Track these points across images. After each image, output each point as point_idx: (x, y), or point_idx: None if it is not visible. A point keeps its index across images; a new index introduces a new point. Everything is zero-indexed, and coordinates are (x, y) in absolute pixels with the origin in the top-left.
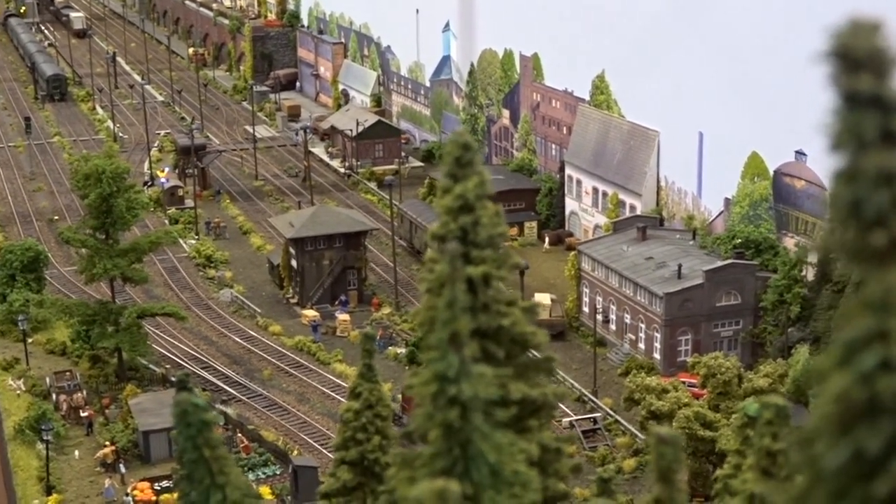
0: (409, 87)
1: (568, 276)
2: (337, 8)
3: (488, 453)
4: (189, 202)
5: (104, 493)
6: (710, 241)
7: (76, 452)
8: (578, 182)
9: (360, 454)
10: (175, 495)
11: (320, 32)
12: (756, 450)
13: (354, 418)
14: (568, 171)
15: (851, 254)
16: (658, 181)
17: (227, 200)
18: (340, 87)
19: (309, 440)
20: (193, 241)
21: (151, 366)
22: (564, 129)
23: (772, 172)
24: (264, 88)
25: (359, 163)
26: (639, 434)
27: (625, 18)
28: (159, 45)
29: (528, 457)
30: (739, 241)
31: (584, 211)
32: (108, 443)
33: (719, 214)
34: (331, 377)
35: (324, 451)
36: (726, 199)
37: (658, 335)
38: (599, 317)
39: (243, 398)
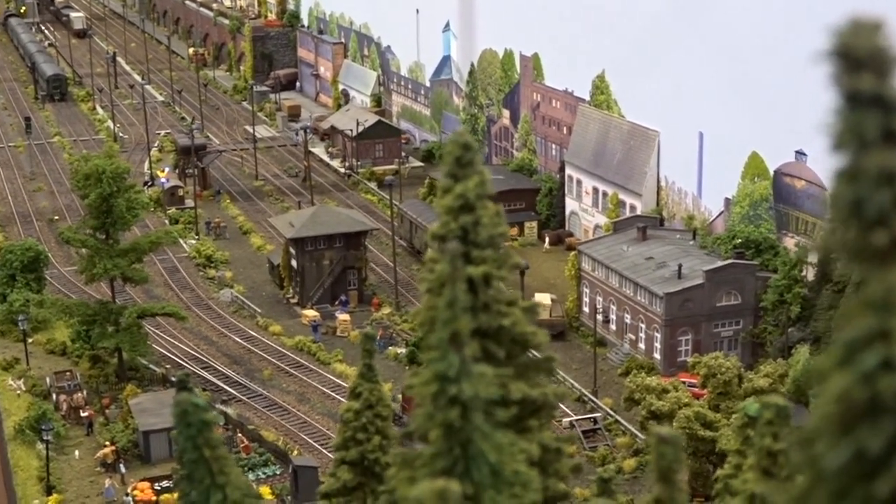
0: (410, 87)
1: (568, 276)
2: (337, 8)
3: (489, 453)
4: (189, 202)
5: (104, 493)
6: (711, 241)
7: (76, 452)
8: (578, 182)
9: (360, 454)
10: (175, 495)
11: (320, 32)
12: (757, 450)
13: (355, 418)
14: (568, 171)
15: (852, 253)
16: (658, 181)
17: (228, 200)
18: (340, 87)
19: (309, 440)
20: (193, 241)
21: (151, 366)
22: (564, 129)
23: (772, 172)
24: (264, 88)
25: (359, 163)
26: (639, 434)
27: (625, 18)
28: (159, 45)
29: (529, 457)
30: (740, 241)
31: (584, 211)
32: (108, 443)
33: (719, 214)
34: (331, 377)
35: (324, 451)
36: (726, 199)
37: (658, 335)
38: (599, 317)
39: (243, 398)
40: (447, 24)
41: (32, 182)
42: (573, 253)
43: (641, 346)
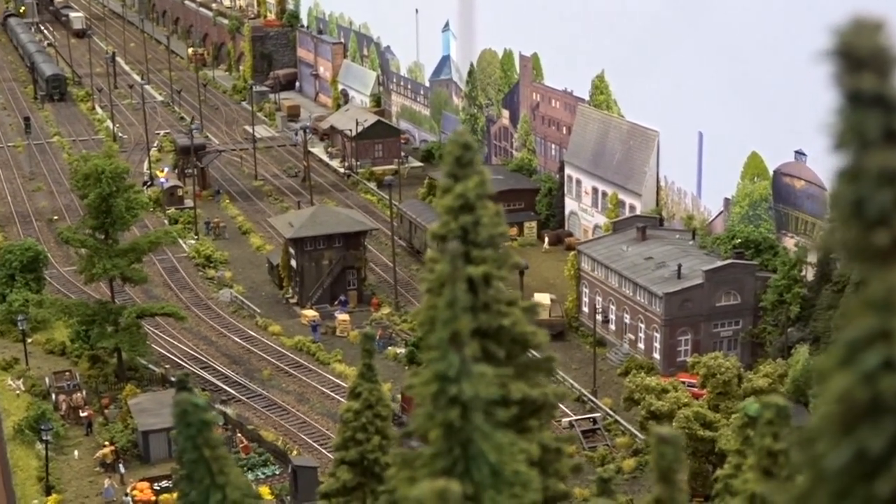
0: (409, 87)
1: (567, 276)
2: (336, 8)
3: (489, 453)
4: (188, 202)
5: (103, 493)
6: (710, 241)
7: (75, 452)
8: (578, 182)
9: (359, 454)
10: (174, 495)
11: (320, 32)
12: (757, 450)
13: (354, 418)
14: (567, 171)
15: (853, 253)
16: (658, 181)
17: (227, 200)
18: (340, 87)
19: (308, 440)
20: (193, 241)
21: (151, 366)
22: (564, 129)
23: (771, 172)
24: (264, 88)
25: (358, 163)
26: (638, 434)
27: (625, 18)
28: (159, 45)
29: (529, 457)
30: (739, 241)
31: (583, 211)
32: (107, 443)
33: (719, 214)
34: (330, 377)
35: (323, 451)
36: (726, 199)
37: (658, 335)
38: (599, 317)
39: (243, 398)
40: (447, 24)
41: (32, 182)
42: (573, 253)
43: (641, 346)
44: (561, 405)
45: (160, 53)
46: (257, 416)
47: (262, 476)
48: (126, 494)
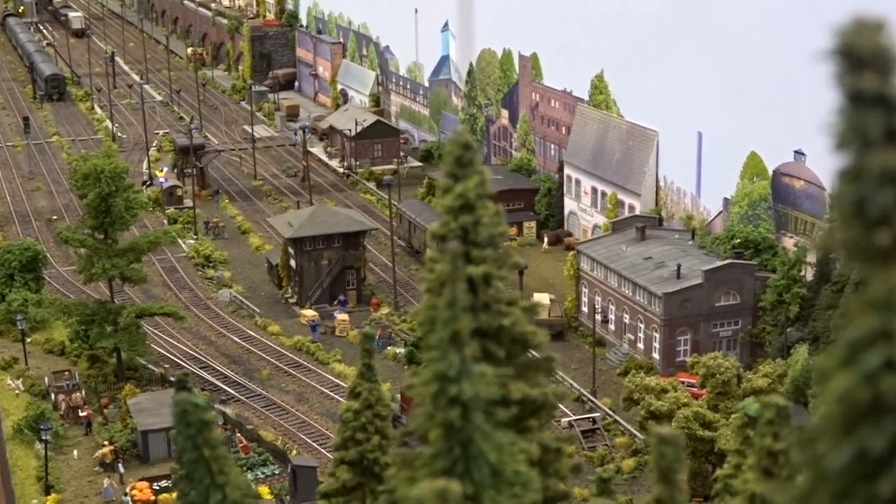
0: (408, 86)
1: (567, 275)
2: (335, 8)
3: (489, 453)
4: (188, 202)
5: (103, 492)
6: (709, 241)
7: (75, 452)
8: (577, 182)
9: (359, 454)
10: (174, 495)
11: (319, 32)
12: (757, 450)
13: (354, 418)
14: (567, 170)
15: (854, 253)
16: (657, 181)
17: (226, 200)
18: (339, 86)
19: (308, 440)
20: (192, 241)
21: (150, 365)
22: (563, 128)
23: (771, 172)
24: (263, 88)
25: (357, 163)
26: (638, 434)
27: (624, 18)
28: (158, 45)
29: (529, 457)
30: (738, 240)
31: (582, 211)
32: (106, 442)
33: (718, 214)
34: (330, 377)
35: (323, 450)
36: (725, 199)
37: (657, 335)
38: (598, 317)
39: (242, 398)
40: (446, 24)
41: (31, 182)
42: (572, 253)
43: (640, 345)
44: (560, 405)
45: (159, 53)
46: (257, 416)
47: (262, 476)
48: (125, 494)
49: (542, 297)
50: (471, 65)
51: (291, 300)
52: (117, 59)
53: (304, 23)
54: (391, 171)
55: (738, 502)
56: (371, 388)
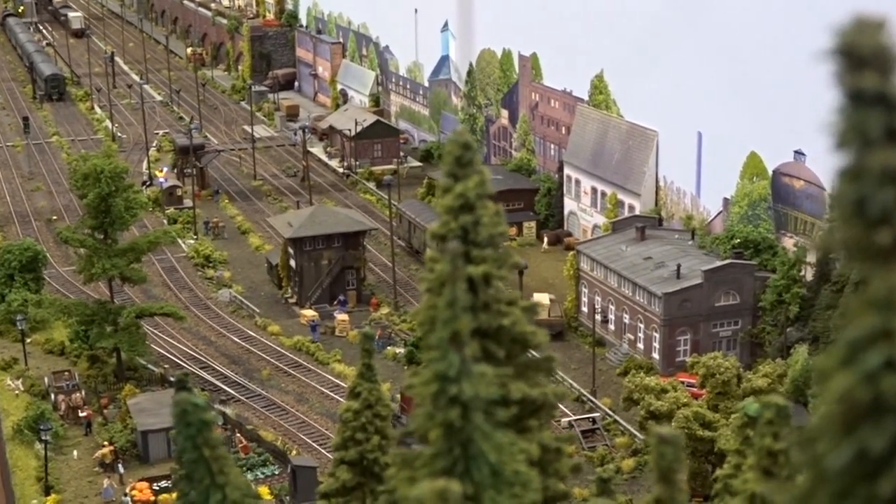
0: (408, 86)
1: (567, 275)
2: (335, 8)
3: (489, 453)
4: (188, 202)
5: (103, 493)
6: (709, 241)
7: (75, 452)
8: (577, 182)
9: (359, 454)
10: (174, 495)
11: (319, 32)
12: (757, 450)
13: (354, 418)
14: (567, 170)
15: (855, 252)
16: (657, 181)
17: (226, 200)
18: (339, 86)
19: (308, 440)
20: (192, 241)
21: (150, 366)
22: (563, 128)
23: (770, 172)
24: (263, 88)
25: (357, 163)
26: (638, 434)
27: (624, 18)
28: (157, 45)
29: (529, 457)
30: (738, 240)
31: (582, 211)
32: (106, 443)
33: (718, 214)
34: (329, 377)
35: (323, 451)
36: (725, 199)
37: (657, 335)
38: (598, 317)
39: (242, 398)
40: (446, 24)
41: (31, 182)
42: (572, 253)
43: (640, 345)
44: (560, 405)
45: (159, 53)
46: (256, 416)
47: (262, 476)
48: (125, 494)
49: (542, 297)
50: (471, 65)
51: (291, 300)
52: (117, 59)
53: (304, 23)
54: (391, 171)
55: (738, 502)
56: (371, 388)
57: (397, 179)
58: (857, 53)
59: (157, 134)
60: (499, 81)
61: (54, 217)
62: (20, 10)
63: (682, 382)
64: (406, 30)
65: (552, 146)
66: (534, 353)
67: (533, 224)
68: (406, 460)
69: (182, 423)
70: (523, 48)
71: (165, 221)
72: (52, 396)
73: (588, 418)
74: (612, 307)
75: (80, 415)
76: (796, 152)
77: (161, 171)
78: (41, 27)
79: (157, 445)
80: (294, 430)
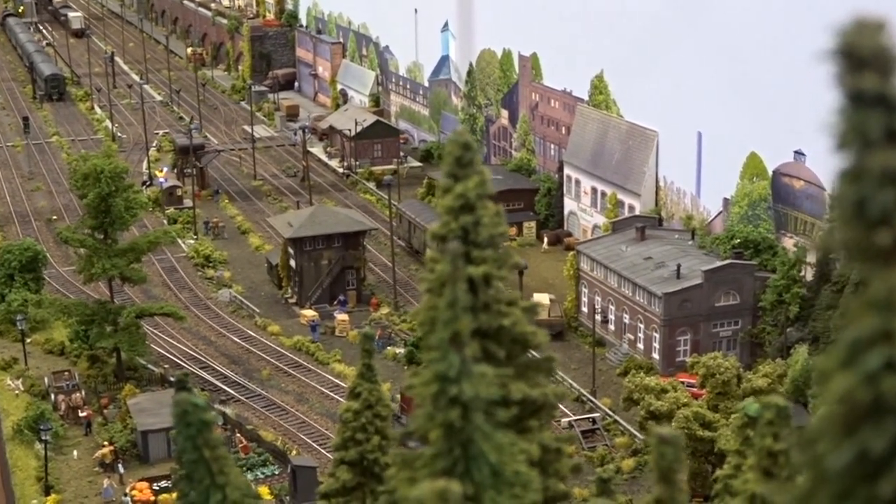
0: (408, 86)
1: (567, 276)
2: (335, 8)
3: (489, 453)
4: (187, 202)
5: (103, 493)
6: (709, 241)
7: (74, 452)
8: (577, 182)
9: (359, 454)
10: (174, 495)
11: (319, 32)
12: (757, 450)
13: (354, 418)
14: (567, 170)
15: (855, 253)
16: (657, 181)
17: (226, 200)
18: (339, 86)
19: (308, 440)
20: (192, 241)
21: (150, 366)
22: (563, 128)
23: (770, 172)
24: (263, 88)
25: (357, 163)
26: (638, 434)
27: (624, 18)
28: (157, 45)
29: (529, 457)
30: (738, 241)
31: (582, 211)
32: (106, 443)
33: (718, 214)
34: (329, 377)
35: (323, 451)
36: (725, 199)
37: (657, 335)
38: (598, 317)
39: (242, 398)
40: (446, 24)
41: (31, 182)
42: (572, 253)
43: (640, 346)
44: (560, 405)
45: (159, 53)
46: (256, 416)
47: (262, 476)
48: (125, 494)
49: (542, 298)
50: (470, 65)
51: (291, 300)
52: (117, 59)
53: (304, 23)
54: (391, 171)
55: (738, 503)
56: (371, 388)
57: (397, 179)
58: (857, 54)
59: (157, 134)
60: (499, 81)
61: (54, 217)
62: (20, 10)
63: (682, 382)
64: (406, 30)
65: (552, 146)
66: (534, 353)
67: (533, 224)
68: (406, 460)
69: (182, 424)
70: (523, 48)
71: (165, 221)
72: (52, 396)
73: (588, 418)
74: (612, 307)
75: (80, 415)
76: (796, 152)
77: (161, 171)
78: (41, 27)
79: (157, 445)
80: (294, 430)
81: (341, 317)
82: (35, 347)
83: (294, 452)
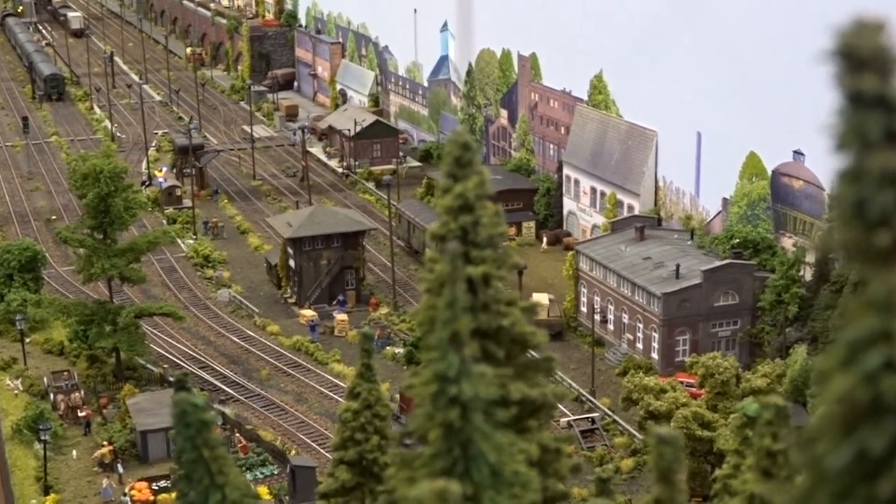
0: (407, 86)
1: (566, 275)
2: (335, 8)
3: (489, 453)
4: (187, 202)
5: (102, 492)
6: (708, 241)
7: (74, 452)
8: (576, 182)
9: (358, 454)
10: (173, 495)
11: (318, 32)
12: (756, 450)
13: (353, 418)
14: (566, 170)
15: (854, 253)
16: (656, 181)
17: (225, 200)
18: (338, 86)
19: (307, 440)
20: (191, 241)
21: (149, 365)
22: (562, 128)
23: (770, 172)
24: (262, 88)
25: (357, 163)
26: (637, 434)
27: (623, 18)
28: (157, 45)
29: (528, 457)
30: (737, 240)
31: (582, 211)
32: (105, 442)
33: (717, 214)
34: (329, 377)
35: (322, 450)
36: (724, 199)
37: (656, 335)
38: (597, 317)
39: (241, 398)
40: (445, 24)
41: (30, 182)
42: (571, 253)
43: (639, 345)
44: (560, 405)
45: (158, 53)
46: (256, 416)
47: (261, 476)
48: (124, 494)
49: (542, 297)
50: (470, 65)
51: (290, 300)
52: (116, 59)
53: (303, 23)
54: (390, 171)
55: (738, 503)
56: (370, 388)
57: (396, 179)
58: (856, 55)
59: (157, 134)
60: (498, 81)
61: (53, 217)
62: (20, 10)
63: (682, 382)
64: (405, 30)
65: (551, 146)
66: (533, 353)
67: (532, 224)
68: (405, 460)
69: (181, 423)
70: (522, 48)
71: (165, 221)
72: (52, 396)
73: (587, 418)
74: (611, 307)
75: (80, 414)
76: (795, 152)
77: (160, 170)
78: (40, 27)
79: (157, 445)
80: (293, 430)
81: (340, 317)
82: (34, 347)
83: (293, 452)
